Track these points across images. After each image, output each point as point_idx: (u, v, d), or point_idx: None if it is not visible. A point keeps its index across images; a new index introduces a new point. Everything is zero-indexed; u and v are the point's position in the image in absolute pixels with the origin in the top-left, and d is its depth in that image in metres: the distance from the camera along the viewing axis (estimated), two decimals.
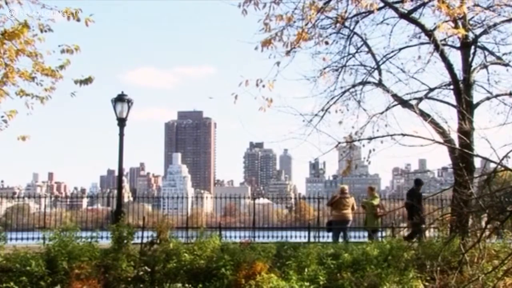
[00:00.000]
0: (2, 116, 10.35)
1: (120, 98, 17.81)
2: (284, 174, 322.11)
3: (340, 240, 18.70)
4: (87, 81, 10.39)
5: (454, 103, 17.29)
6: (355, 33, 17.44)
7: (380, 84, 17.77)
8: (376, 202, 19.98)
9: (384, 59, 18.04)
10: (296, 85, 25.36)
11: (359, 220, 21.70)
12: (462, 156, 13.90)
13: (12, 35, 9.55)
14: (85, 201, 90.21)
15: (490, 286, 12.15)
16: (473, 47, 17.71)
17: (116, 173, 21.34)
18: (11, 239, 16.82)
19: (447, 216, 13.59)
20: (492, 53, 17.84)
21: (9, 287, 13.16)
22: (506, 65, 17.50)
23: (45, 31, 9.85)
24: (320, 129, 15.73)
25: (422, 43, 17.45)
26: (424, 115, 15.39)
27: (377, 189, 27.89)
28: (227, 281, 14.03)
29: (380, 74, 17.99)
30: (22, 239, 17.85)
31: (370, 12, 14.23)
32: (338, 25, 14.36)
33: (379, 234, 19.59)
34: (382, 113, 15.99)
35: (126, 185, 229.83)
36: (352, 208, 19.78)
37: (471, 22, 16.52)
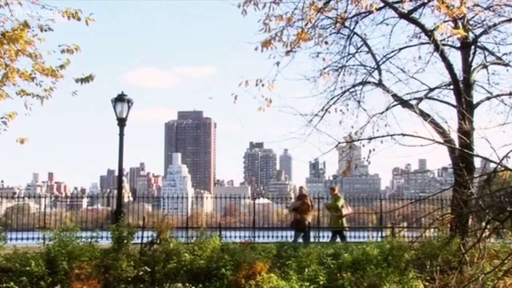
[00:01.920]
0: (2, 118, 10.31)
1: (120, 98, 17.84)
2: (284, 174, 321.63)
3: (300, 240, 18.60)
4: (87, 79, 10.33)
5: (454, 103, 17.31)
6: (355, 33, 17.45)
7: (380, 84, 17.77)
8: (340, 203, 19.58)
9: (384, 59, 18.06)
10: (296, 85, 25.26)
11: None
12: (462, 156, 13.88)
13: (12, 38, 9.53)
14: (85, 201, 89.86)
15: (490, 286, 12.15)
16: (473, 47, 17.73)
17: (116, 173, 21.34)
18: (11, 239, 16.83)
19: (447, 216, 13.59)
20: (492, 53, 17.87)
21: (9, 287, 13.18)
22: (506, 65, 17.51)
23: (45, 30, 9.82)
24: (320, 129, 15.71)
25: (422, 43, 17.45)
26: (424, 115, 15.39)
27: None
28: (227, 281, 14.05)
29: (380, 74, 17.99)
30: (22, 239, 17.85)
31: (370, 12, 14.20)
32: (338, 25, 14.33)
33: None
34: (382, 113, 15.96)
35: (126, 185, 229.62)
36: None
37: (471, 22, 16.51)
